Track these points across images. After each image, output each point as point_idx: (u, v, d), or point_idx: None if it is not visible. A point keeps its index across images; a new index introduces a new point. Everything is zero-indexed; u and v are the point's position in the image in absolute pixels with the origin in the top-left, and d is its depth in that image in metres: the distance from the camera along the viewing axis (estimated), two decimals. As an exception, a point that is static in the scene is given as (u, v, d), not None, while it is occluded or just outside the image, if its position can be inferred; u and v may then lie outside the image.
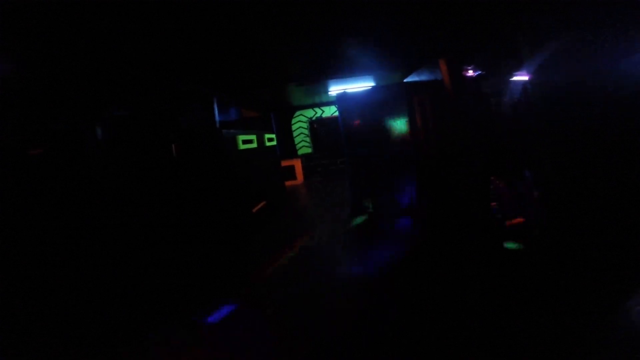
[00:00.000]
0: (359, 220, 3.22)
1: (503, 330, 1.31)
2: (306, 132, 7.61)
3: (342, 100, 3.67)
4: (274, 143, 4.53)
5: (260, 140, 3.81)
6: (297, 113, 7.53)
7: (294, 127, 7.56)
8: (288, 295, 1.90)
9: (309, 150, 7.63)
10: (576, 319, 1.32)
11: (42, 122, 2.10)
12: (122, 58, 2.32)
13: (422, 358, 1.22)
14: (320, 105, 7.44)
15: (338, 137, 7.44)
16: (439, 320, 1.45)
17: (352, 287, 1.91)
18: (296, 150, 7.59)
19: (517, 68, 4.01)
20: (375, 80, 4.73)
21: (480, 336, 1.30)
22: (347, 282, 1.98)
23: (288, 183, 7.00)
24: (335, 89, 5.23)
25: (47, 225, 2.06)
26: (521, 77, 4.36)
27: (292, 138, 7.56)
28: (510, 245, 2.10)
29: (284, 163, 6.96)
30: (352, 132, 3.67)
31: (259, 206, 3.36)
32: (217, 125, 2.69)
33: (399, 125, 3.53)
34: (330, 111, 7.54)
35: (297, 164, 7.16)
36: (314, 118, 7.56)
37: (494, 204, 3.05)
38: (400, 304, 1.64)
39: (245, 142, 3.24)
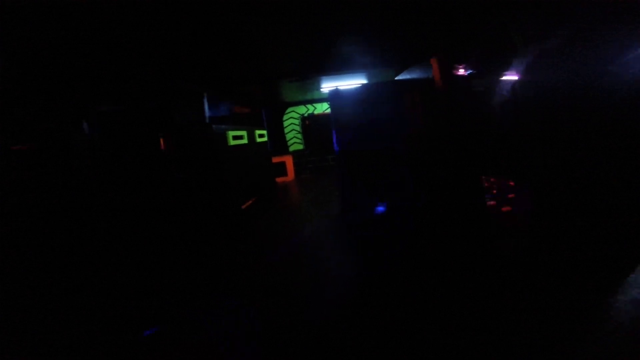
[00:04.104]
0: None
1: (495, 327, 1.34)
2: (298, 128, 7.58)
3: (334, 97, 3.67)
4: (265, 139, 4.50)
5: (251, 136, 3.78)
6: (289, 109, 7.49)
7: (285, 124, 7.52)
8: (279, 294, 1.89)
9: (301, 146, 7.61)
10: (560, 315, 1.36)
11: (32, 119, 2.05)
12: (111, 55, 2.27)
13: (416, 354, 1.24)
14: (312, 102, 7.41)
15: (330, 134, 7.42)
16: (433, 315, 1.47)
17: (345, 284, 1.92)
18: (287, 147, 7.56)
19: (506, 68, 4.06)
20: (368, 77, 4.73)
21: (473, 331, 1.32)
22: (339, 280, 1.99)
23: (279, 179, 6.97)
24: (327, 86, 5.22)
25: (37, 223, 2.01)
26: (510, 77, 4.42)
27: (283, 134, 7.51)
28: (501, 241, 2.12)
29: (275, 159, 6.92)
30: (344, 129, 3.67)
31: (249, 202, 3.34)
32: (207, 120, 2.66)
33: (390, 122, 3.54)
34: (322, 108, 7.52)
35: (289, 161, 7.14)
36: (306, 115, 7.53)
37: (493, 202, 3.10)
38: (392, 300, 1.66)
39: (235, 137, 3.21)
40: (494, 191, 3.46)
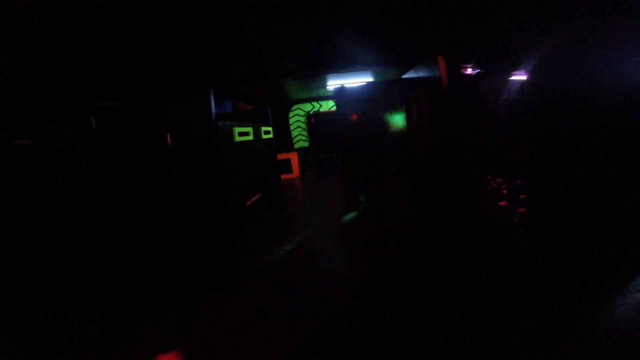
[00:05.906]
0: (350, 216, 3.30)
1: (495, 327, 1.34)
2: (303, 125, 7.59)
3: (340, 95, 3.67)
4: (271, 136, 4.52)
5: (257, 133, 3.80)
6: (295, 107, 7.50)
7: (291, 121, 7.54)
8: (280, 292, 1.91)
9: (306, 144, 7.62)
10: (560, 317, 1.35)
11: (30, 118, 2.05)
12: (112, 53, 2.28)
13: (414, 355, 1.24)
14: (318, 99, 7.41)
15: (335, 131, 7.42)
16: (433, 315, 1.48)
17: (344, 284, 1.93)
18: (293, 144, 7.58)
19: (515, 67, 4.01)
20: (373, 75, 4.71)
21: (473, 331, 1.33)
22: (339, 279, 2.00)
23: (284, 176, 6.99)
24: (333, 84, 5.21)
25: (37, 223, 2.01)
26: (519, 77, 4.36)
27: (289, 131, 7.54)
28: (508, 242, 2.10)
29: (280, 156, 6.94)
30: (348, 127, 3.67)
31: (254, 199, 3.36)
32: (213, 117, 2.68)
33: (395, 121, 3.54)
34: (328, 105, 7.51)
35: (294, 158, 7.15)
36: (311, 112, 7.53)
37: (504, 202, 3.07)
38: (392, 300, 1.67)
39: (241, 134, 3.23)
40: (504, 191, 3.42)
